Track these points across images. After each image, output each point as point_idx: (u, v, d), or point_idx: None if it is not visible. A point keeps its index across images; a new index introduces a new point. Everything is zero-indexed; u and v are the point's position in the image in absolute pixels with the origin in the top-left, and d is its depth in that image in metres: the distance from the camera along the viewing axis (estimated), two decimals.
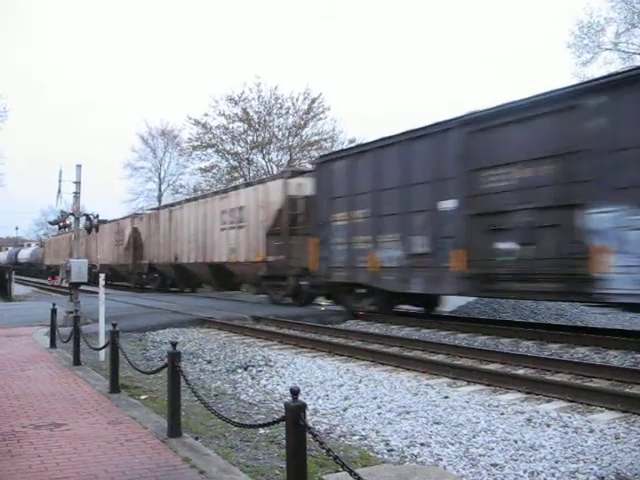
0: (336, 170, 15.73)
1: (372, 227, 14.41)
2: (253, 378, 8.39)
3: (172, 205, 28.88)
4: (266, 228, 18.93)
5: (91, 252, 37.97)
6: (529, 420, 5.90)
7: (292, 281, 17.79)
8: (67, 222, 15.42)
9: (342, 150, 15.48)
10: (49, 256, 49.64)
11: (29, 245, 71.15)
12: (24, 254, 62.77)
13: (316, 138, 38.44)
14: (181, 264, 25.62)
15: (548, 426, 5.69)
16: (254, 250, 19.56)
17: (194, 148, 41.38)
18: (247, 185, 21.90)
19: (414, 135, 13.41)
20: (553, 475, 4.44)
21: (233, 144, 39.71)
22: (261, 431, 5.49)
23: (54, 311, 10.69)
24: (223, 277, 22.89)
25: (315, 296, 18.34)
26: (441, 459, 4.86)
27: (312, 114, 37.78)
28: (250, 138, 39.05)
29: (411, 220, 13.28)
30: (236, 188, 22.39)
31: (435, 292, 14.31)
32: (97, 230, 16.28)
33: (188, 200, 27.64)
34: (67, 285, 14.59)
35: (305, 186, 17.73)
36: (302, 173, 18.64)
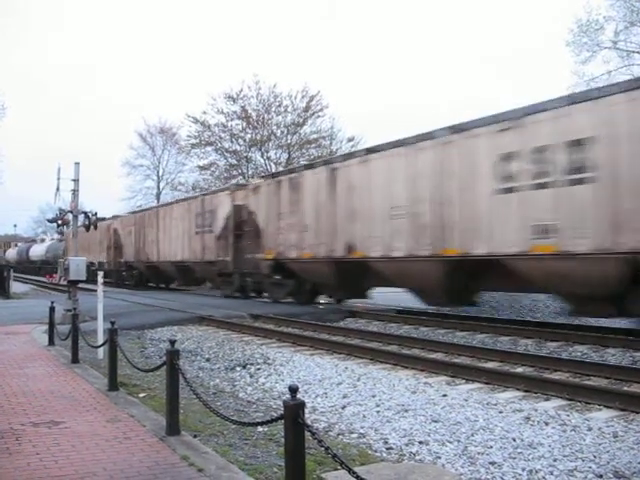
0: None
1: None
2: (252, 376, 8.39)
3: (331, 161, 16.88)
4: None
5: (146, 245, 28.98)
6: (527, 418, 5.91)
7: None
8: (65, 220, 15.43)
9: None
10: (73, 252, 42.40)
11: (42, 240, 61.46)
12: (37, 250, 54.86)
13: (315, 136, 38.50)
14: (363, 260, 14.99)
15: (546, 424, 5.69)
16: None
17: (192, 146, 41.41)
18: (580, 99, 10.51)
19: None
20: (551, 473, 4.45)
21: (232, 142, 39.72)
22: (260, 429, 5.49)
23: (52, 309, 10.70)
24: (471, 281, 12.93)
25: None
26: (440, 457, 4.86)
27: (310, 112, 37.82)
28: (249, 136, 39.05)
29: None
30: (541, 109, 10.86)
31: None
32: (95, 228, 16.30)
33: (372, 150, 15.07)
34: (65, 283, 14.58)
35: None
36: None
